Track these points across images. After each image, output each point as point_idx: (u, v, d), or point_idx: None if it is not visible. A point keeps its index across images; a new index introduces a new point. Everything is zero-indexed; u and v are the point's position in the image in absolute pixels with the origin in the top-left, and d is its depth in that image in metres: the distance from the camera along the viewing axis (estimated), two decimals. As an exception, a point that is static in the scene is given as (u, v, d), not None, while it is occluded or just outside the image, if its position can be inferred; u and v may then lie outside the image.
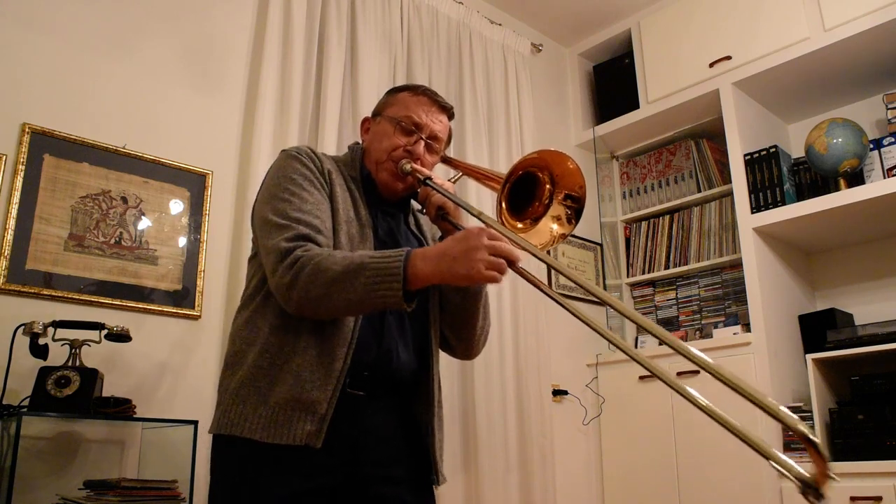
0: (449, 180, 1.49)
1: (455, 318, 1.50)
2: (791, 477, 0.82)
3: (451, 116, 1.58)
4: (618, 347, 1.11)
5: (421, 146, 1.49)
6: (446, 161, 1.67)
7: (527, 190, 1.39)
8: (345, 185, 1.47)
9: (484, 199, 2.98)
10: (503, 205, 1.33)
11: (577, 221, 1.39)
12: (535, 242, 1.35)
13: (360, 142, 1.61)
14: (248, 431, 1.26)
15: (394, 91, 1.60)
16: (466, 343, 1.54)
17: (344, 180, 1.48)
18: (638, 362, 1.07)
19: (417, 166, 1.46)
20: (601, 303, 3.61)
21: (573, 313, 1.19)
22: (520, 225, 1.38)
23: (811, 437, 0.79)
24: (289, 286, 1.26)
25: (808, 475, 0.81)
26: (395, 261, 1.21)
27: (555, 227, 1.39)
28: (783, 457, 0.86)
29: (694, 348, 0.98)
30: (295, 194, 1.36)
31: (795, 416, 0.83)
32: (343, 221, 1.39)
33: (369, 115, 1.62)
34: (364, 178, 1.52)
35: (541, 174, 1.38)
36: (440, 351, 1.57)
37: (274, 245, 1.30)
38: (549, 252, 1.36)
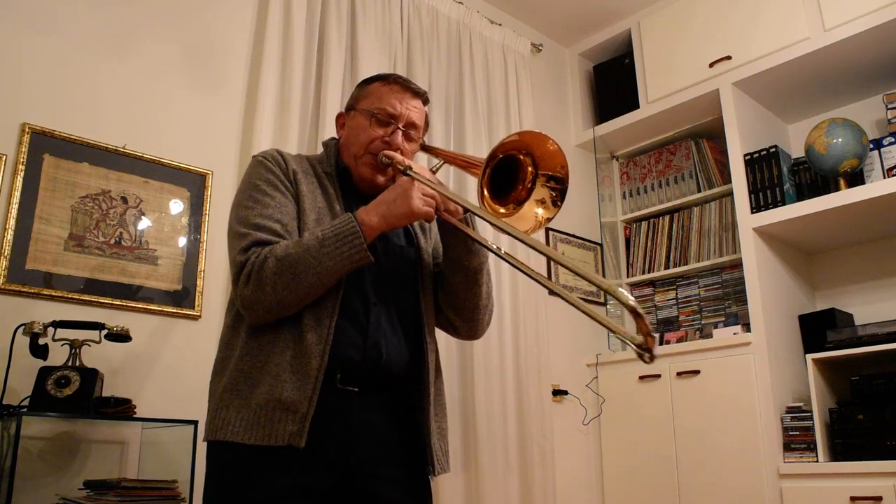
0: (430, 169, 1.47)
1: (457, 297, 1.49)
2: (631, 344, 1.05)
3: (425, 101, 1.56)
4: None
5: (399, 136, 1.47)
6: (426, 149, 1.66)
7: (509, 174, 1.37)
8: (316, 182, 1.47)
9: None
10: (485, 190, 1.32)
11: (561, 203, 1.37)
12: (520, 228, 1.31)
13: (337, 137, 1.59)
14: (232, 435, 1.27)
15: (365, 83, 1.57)
16: (470, 323, 1.53)
17: (317, 177, 1.48)
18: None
19: (397, 156, 1.44)
20: (599, 302, 3.60)
21: (567, 300, 1.21)
22: (502, 210, 1.36)
23: (638, 310, 1.01)
24: (255, 290, 1.28)
25: (640, 340, 1.04)
26: (348, 222, 1.31)
27: (539, 210, 1.36)
28: (622, 328, 1.11)
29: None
30: (258, 201, 1.37)
31: (627, 294, 1.05)
32: (312, 220, 1.39)
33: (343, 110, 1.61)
34: (339, 171, 1.51)
35: (522, 157, 1.36)
36: (448, 335, 1.59)
37: (232, 259, 1.35)
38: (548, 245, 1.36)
